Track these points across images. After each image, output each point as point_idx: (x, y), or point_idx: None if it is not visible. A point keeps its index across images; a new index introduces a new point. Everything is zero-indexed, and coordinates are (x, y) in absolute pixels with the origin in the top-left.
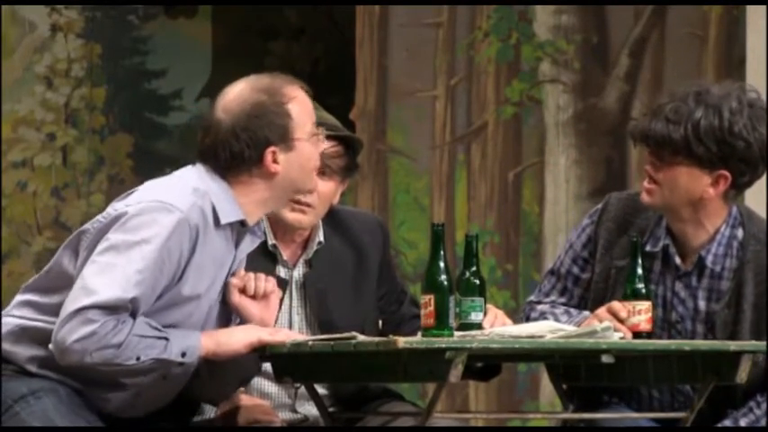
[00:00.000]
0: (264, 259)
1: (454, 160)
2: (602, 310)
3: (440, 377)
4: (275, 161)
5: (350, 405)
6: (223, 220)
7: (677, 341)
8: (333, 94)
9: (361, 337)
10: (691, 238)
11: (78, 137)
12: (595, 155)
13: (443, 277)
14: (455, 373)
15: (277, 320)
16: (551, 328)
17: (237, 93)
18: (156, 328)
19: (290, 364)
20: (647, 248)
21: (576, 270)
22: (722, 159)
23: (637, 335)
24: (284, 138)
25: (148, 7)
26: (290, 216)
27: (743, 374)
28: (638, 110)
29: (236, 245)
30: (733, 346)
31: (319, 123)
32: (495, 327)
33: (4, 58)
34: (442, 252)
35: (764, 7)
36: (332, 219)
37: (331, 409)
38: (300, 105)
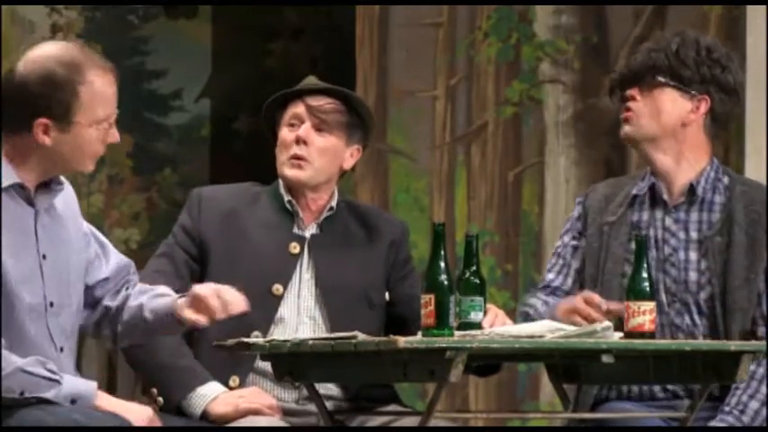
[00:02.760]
0: (284, 216)
1: (454, 160)
2: (578, 299)
3: (440, 377)
4: (46, 133)
5: (351, 405)
6: None
7: (677, 341)
8: None
9: (362, 337)
10: (675, 175)
11: None
12: (595, 155)
13: (444, 277)
14: (455, 373)
15: (291, 278)
16: (551, 328)
17: (40, 53)
18: (50, 371)
19: (290, 364)
20: (634, 192)
21: (573, 242)
22: (702, 82)
23: (640, 335)
24: (62, 115)
25: (148, 7)
26: (289, 173)
27: (743, 374)
28: None
29: (31, 203)
30: (733, 346)
31: (310, 89)
32: (495, 326)
33: (3, 58)
34: (442, 252)
35: (764, 7)
36: (355, 208)
37: (330, 402)
38: (96, 91)
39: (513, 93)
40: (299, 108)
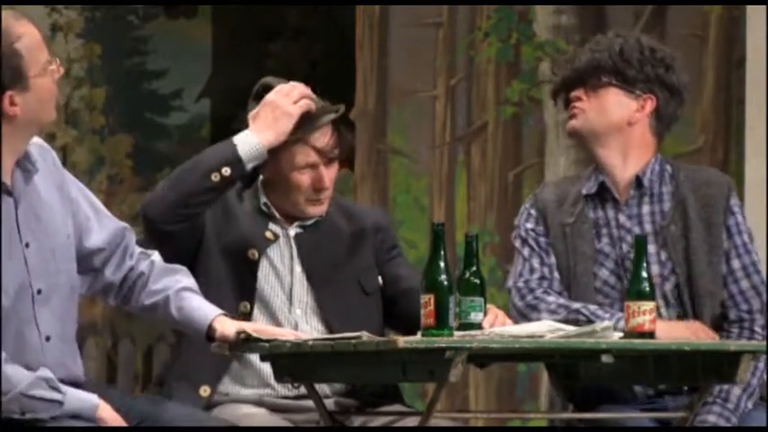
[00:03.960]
0: (258, 216)
1: (454, 160)
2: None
3: (440, 377)
4: (13, 104)
5: (351, 403)
6: None
7: (677, 341)
8: (332, 94)
9: (364, 337)
10: (620, 171)
11: (78, 137)
12: None
13: (443, 277)
14: (455, 373)
15: (277, 269)
16: (551, 328)
17: None
18: (54, 388)
19: (290, 364)
20: (584, 192)
21: (542, 238)
22: (646, 82)
23: (640, 335)
24: (19, 78)
25: (148, 7)
26: (312, 210)
27: (743, 374)
28: None
29: (9, 193)
30: (733, 346)
31: (316, 117)
32: (495, 326)
33: None
34: (442, 252)
35: (764, 7)
36: (336, 201)
37: (331, 400)
38: (30, 40)
39: (513, 93)
40: (309, 156)
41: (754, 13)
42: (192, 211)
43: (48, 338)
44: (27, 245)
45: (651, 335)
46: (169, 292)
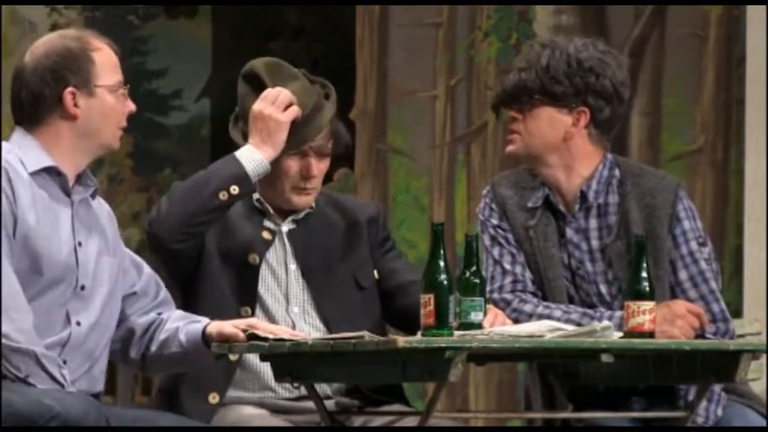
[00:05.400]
0: (252, 213)
1: (454, 160)
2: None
3: (440, 377)
4: (76, 104)
5: (352, 403)
6: (30, 169)
7: (676, 341)
8: None
9: (366, 337)
10: (565, 185)
11: None
12: None
13: (443, 277)
14: (455, 373)
15: (275, 271)
16: (551, 328)
17: (45, 40)
18: (63, 375)
19: (289, 364)
20: (530, 205)
21: (510, 235)
22: (577, 94)
23: (639, 335)
24: (85, 81)
25: (148, 7)
26: (299, 200)
27: (742, 374)
28: (638, 110)
29: (68, 193)
30: (732, 345)
31: (307, 124)
32: (495, 326)
33: (4, 58)
34: (441, 251)
35: (764, 7)
36: (328, 196)
37: (332, 401)
38: (105, 56)
39: None
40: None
41: (754, 13)
42: (199, 230)
43: (78, 323)
44: (80, 243)
45: (651, 335)
46: (180, 323)
